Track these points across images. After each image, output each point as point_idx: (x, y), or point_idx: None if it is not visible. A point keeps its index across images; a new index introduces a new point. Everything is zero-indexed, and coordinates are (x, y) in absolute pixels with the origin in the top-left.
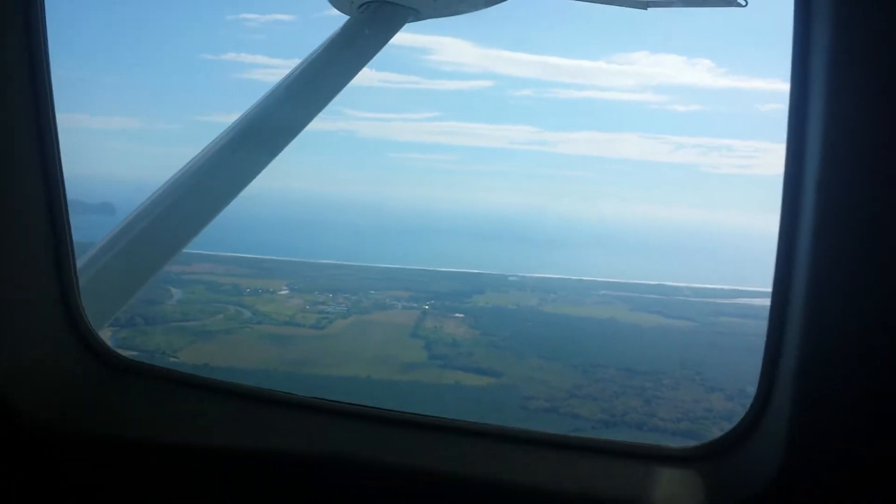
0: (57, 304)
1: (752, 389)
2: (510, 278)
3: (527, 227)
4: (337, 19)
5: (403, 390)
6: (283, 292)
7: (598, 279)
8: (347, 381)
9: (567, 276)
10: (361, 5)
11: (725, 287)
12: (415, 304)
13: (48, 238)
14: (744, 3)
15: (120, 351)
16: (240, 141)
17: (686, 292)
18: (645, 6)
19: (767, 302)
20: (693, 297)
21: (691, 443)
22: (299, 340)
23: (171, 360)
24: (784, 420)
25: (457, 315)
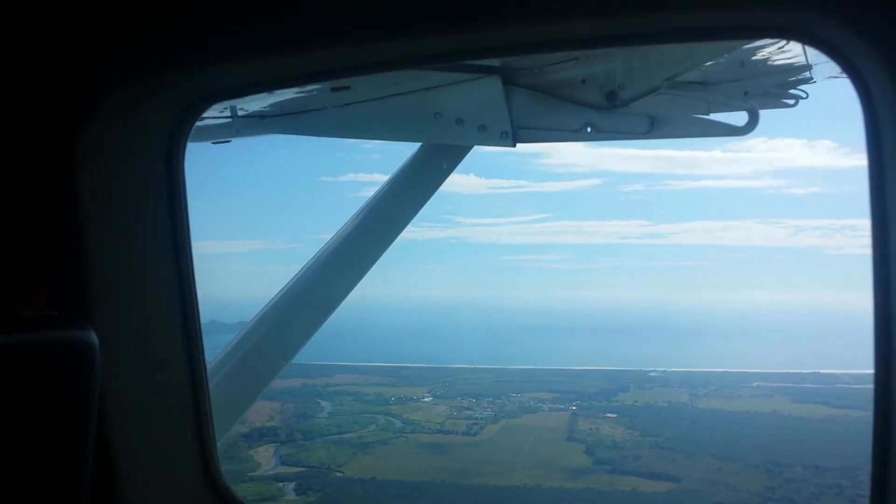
0: (195, 459)
1: None
2: (651, 374)
3: (649, 320)
4: None
5: (580, 498)
6: (426, 399)
7: (746, 370)
8: (517, 491)
9: (710, 369)
10: None
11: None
12: (561, 406)
13: (188, 387)
14: (804, 95)
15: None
16: (321, 273)
17: (845, 379)
18: (743, 132)
19: None
20: (854, 383)
21: None
22: (455, 449)
23: (338, 475)
24: None
25: (609, 415)
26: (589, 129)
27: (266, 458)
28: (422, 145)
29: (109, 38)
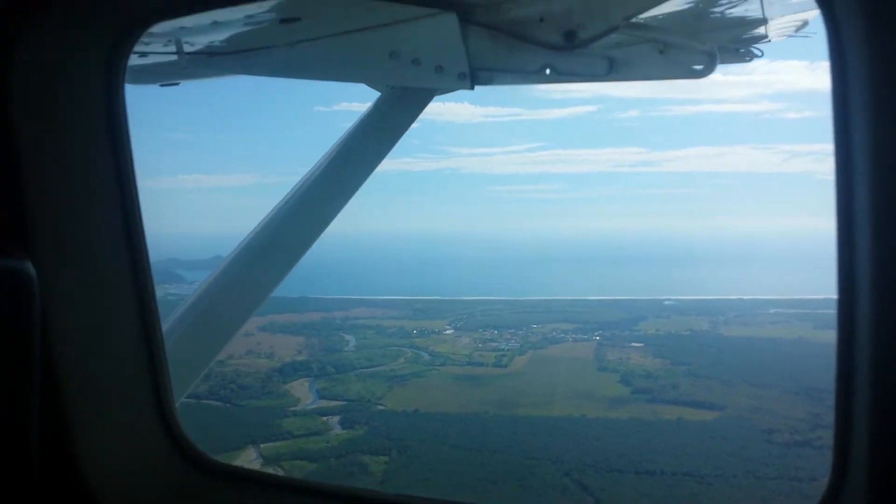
0: (151, 406)
1: None
2: (665, 302)
3: (649, 249)
4: None
5: (628, 429)
6: (448, 332)
7: (759, 297)
8: (563, 422)
9: (723, 297)
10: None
11: None
12: (583, 336)
13: (141, 336)
14: (760, 53)
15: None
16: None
17: None
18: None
19: None
20: None
21: None
22: (489, 380)
23: (380, 407)
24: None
25: (635, 344)
26: (548, 71)
27: (302, 392)
28: (385, 89)
29: None
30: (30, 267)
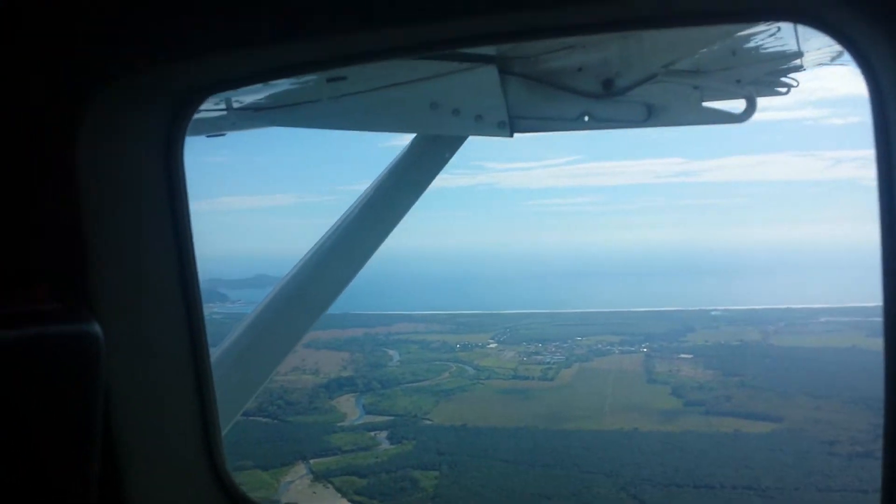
0: (201, 455)
1: None
2: (712, 313)
3: (690, 260)
4: None
5: (684, 442)
6: (491, 345)
7: (809, 306)
8: (616, 435)
9: (771, 306)
10: None
11: None
12: (630, 348)
13: (195, 386)
14: (796, 84)
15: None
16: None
17: None
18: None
19: None
20: None
21: None
22: (536, 394)
23: (427, 422)
24: None
25: (684, 356)
26: (586, 118)
27: (349, 407)
28: (417, 135)
29: (101, 30)
30: (97, 328)
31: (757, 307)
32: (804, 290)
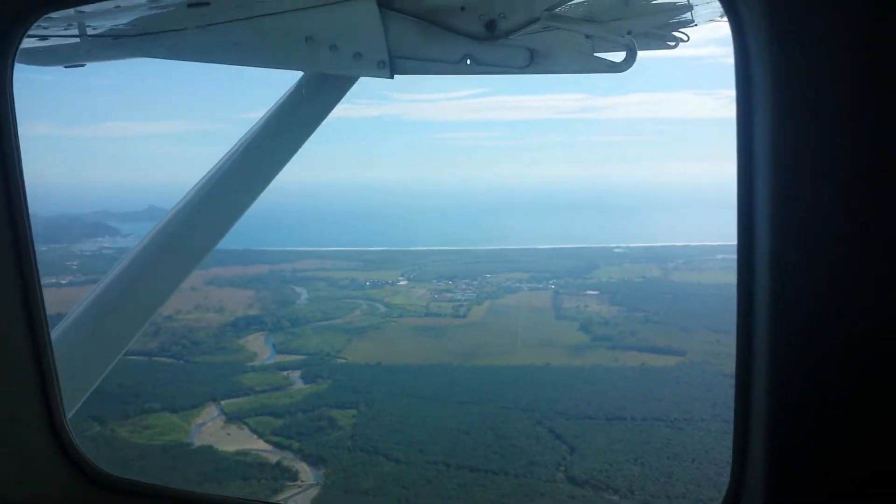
0: (42, 420)
1: None
2: (615, 250)
3: (592, 197)
4: None
5: (594, 376)
6: (402, 283)
7: (706, 243)
8: (529, 370)
9: (670, 244)
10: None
11: None
12: (538, 285)
13: (30, 350)
14: (686, 38)
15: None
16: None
17: None
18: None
19: None
20: None
21: None
22: (449, 331)
23: (340, 361)
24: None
25: (590, 292)
26: (468, 62)
27: (258, 346)
28: (302, 76)
29: None
30: None
31: (657, 244)
32: (703, 228)
